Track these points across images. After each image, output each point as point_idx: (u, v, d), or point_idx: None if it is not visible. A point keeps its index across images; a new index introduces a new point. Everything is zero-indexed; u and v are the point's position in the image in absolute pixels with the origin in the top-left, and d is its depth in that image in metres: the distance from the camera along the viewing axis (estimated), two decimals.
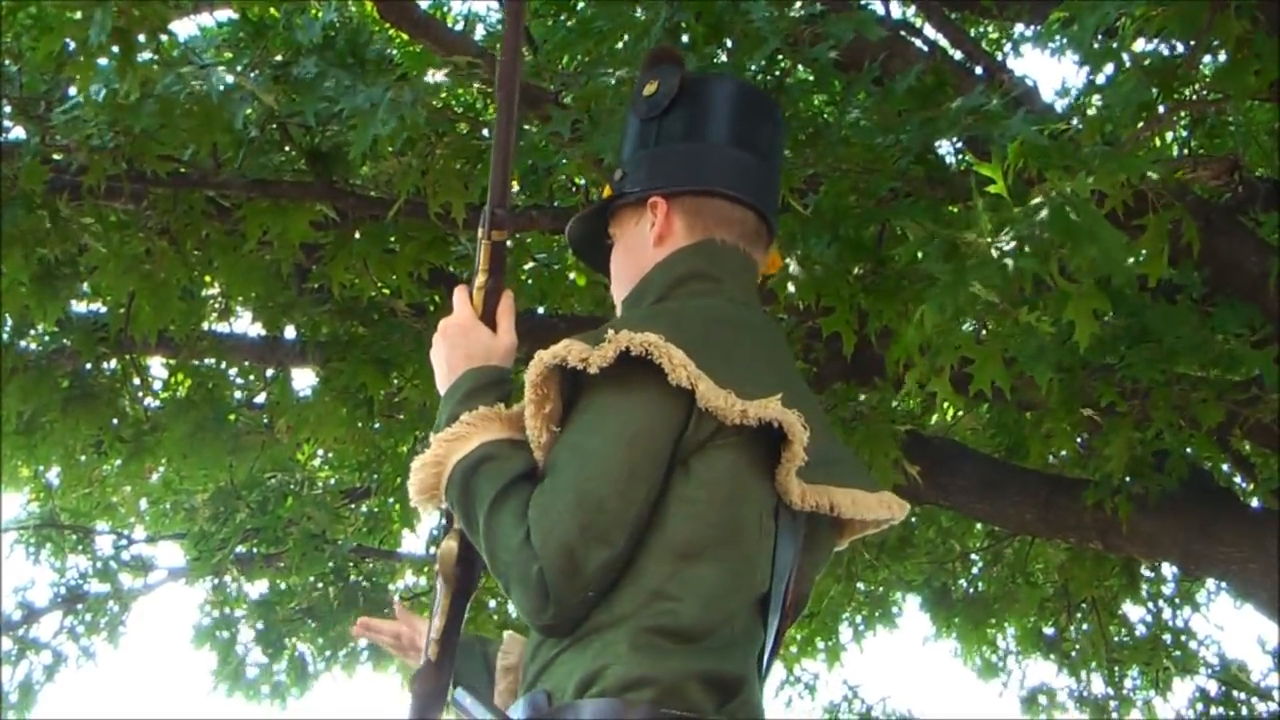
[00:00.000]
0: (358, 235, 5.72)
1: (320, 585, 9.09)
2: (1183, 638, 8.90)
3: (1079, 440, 6.64)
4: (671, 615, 2.26)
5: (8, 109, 5.24)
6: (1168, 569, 8.63)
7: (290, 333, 6.93)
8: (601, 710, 2.20)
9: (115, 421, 7.10)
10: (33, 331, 6.77)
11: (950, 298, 3.82)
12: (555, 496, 2.26)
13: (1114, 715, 9.13)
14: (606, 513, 2.24)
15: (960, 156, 5.76)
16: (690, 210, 2.58)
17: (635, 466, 2.27)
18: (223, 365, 7.38)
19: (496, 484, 2.33)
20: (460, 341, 2.55)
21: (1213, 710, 8.84)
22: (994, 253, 3.78)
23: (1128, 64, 4.47)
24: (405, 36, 5.76)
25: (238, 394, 7.64)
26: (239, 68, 4.95)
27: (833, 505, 2.46)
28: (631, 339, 2.28)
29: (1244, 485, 7.51)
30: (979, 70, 5.74)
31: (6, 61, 5.18)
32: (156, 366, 7.56)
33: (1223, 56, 4.68)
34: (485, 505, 2.32)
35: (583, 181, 5.95)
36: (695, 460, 2.31)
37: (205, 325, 6.94)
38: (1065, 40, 5.05)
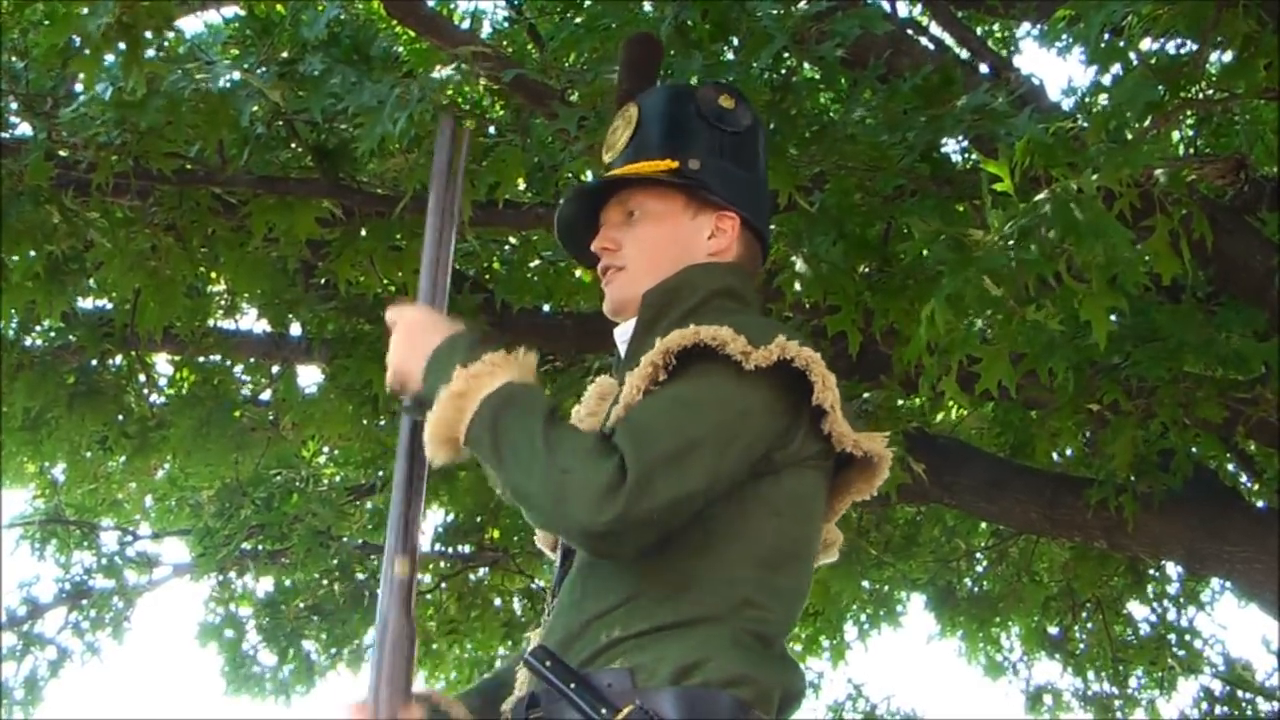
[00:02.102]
0: (364, 232, 5.73)
1: (325, 582, 9.09)
2: (1187, 637, 8.90)
3: (1084, 438, 6.64)
4: (763, 623, 2.32)
5: (14, 106, 5.25)
6: (1173, 568, 8.63)
7: (296, 329, 6.94)
8: (707, 699, 2.23)
9: (121, 418, 7.12)
10: (39, 328, 6.78)
11: (955, 286, 3.82)
12: (652, 431, 2.25)
13: (1119, 714, 9.12)
14: (698, 451, 2.25)
15: (966, 155, 5.76)
16: (747, 243, 2.63)
17: (737, 434, 2.29)
18: (228, 362, 7.38)
19: (541, 410, 2.30)
20: (426, 327, 2.51)
21: (1217, 710, 8.83)
22: (1000, 246, 3.78)
23: (1134, 62, 4.47)
24: (411, 33, 5.76)
25: (243, 390, 7.65)
26: (245, 64, 4.96)
27: (831, 541, 2.58)
28: (799, 352, 2.31)
29: (1249, 485, 7.50)
30: (985, 69, 5.74)
31: (13, 58, 5.19)
32: (162, 363, 7.58)
33: (1229, 55, 4.68)
34: (539, 422, 2.28)
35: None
36: (789, 473, 2.37)
37: (211, 322, 6.95)
38: (1071, 39, 5.05)
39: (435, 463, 2.39)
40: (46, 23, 4.85)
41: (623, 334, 2.59)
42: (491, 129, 5.47)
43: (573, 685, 2.26)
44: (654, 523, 2.23)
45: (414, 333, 2.50)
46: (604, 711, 2.22)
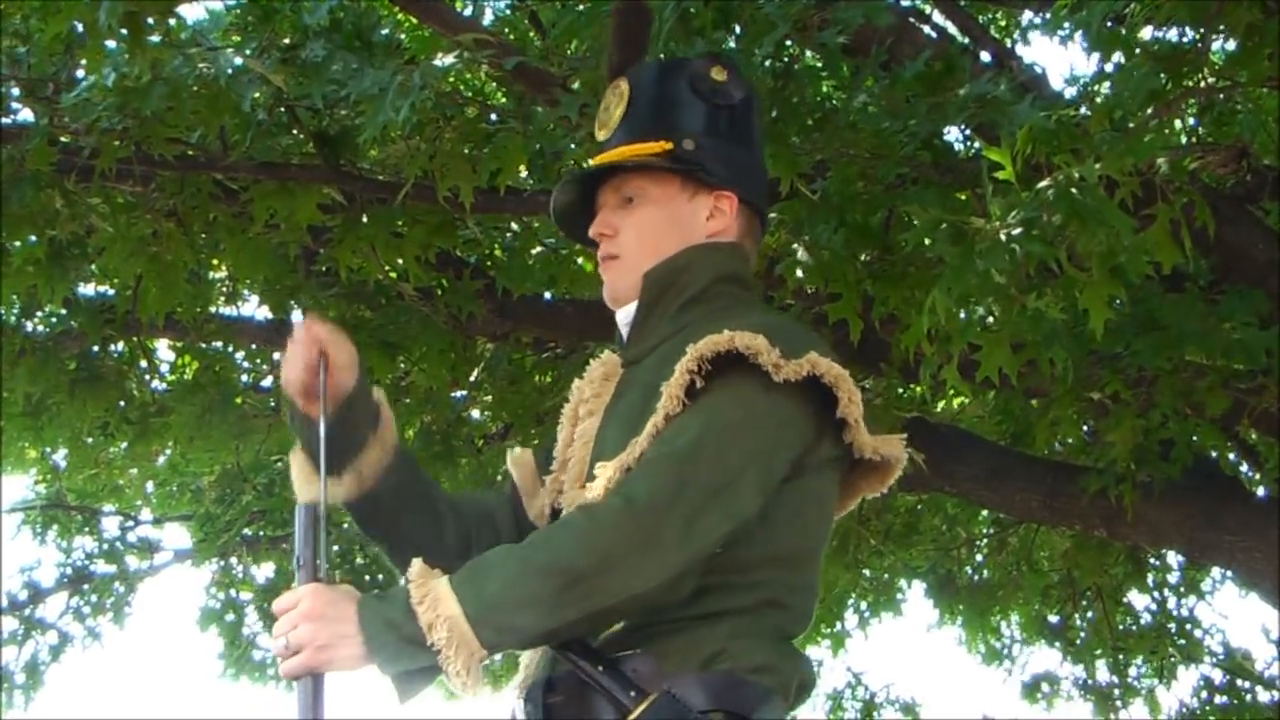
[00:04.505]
0: (365, 218, 5.72)
1: None
2: (1187, 626, 8.90)
3: (1085, 428, 6.64)
4: (784, 620, 2.36)
5: (16, 91, 5.25)
6: (1173, 557, 8.63)
7: (297, 316, 6.93)
8: (733, 684, 2.26)
9: (122, 403, 7.12)
10: (40, 313, 6.79)
11: (958, 281, 3.83)
12: (694, 462, 2.25)
13: (1118, 704, 9.12)
14: (746, 475, 2.27)
15: (968, 143, 5.76)
16: (747, 221, 2.61)
17: (778, 447, 2.33)
18: (229, 348, 7.39)
19: (501, 552, 2.27)
20: (328, 605, 2.26)
21: (1217, 699, 8.83)
22: (1002, 236, 3.78)
23: (1136, 51, 4.47)
24: (413, 20, 5.76)
25: (244, 377, 7.64)
26: (247, 50, 4.96)
27: None
28: (830, 368, 2.33)
29: (1250, 474, 7.50)
30: (987, 57, 5.73)
31: (15, 43, 5.19)
32: (163, 349, 7.59)
33: (1232, 44, 4.67)
34: (518, 550, 2.25)
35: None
36: (811, 475, 2.39)
37: (212, 308, 6.95)
38: (1073, 27, 5.05)
39: (476, 691, 2.21)
40: (49, 7, 4.84)
41: (625, 316, 2.57)
42: (493, 116, 5.46)
43: (601, 669, 2.26)
44: (709, 553, 2.25)
45: (317, 608, 2.25)
46: (632, 695, 2.23)
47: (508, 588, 2.18)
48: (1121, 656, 9.06)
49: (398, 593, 2.23)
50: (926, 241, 4.35)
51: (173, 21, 4.87)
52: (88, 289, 6.79)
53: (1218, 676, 8.89)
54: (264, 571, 9.32)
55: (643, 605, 2.22)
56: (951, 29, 5.97)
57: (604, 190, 2.63)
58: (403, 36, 5.72)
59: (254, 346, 7.45)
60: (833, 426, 2.38)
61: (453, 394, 7.26)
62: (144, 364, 7.26)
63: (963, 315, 4.23)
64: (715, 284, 2.53)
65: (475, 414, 7.77)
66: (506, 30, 6.15)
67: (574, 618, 2.19)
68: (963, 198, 4.93)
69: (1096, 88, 5.11)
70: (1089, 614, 9.05)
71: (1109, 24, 4.64)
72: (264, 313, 7.01)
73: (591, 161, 2.66)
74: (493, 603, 2.18)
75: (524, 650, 2.39)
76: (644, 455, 2.31)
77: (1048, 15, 5.77)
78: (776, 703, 2.30)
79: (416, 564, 2.25)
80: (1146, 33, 4.76)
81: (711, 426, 2.28)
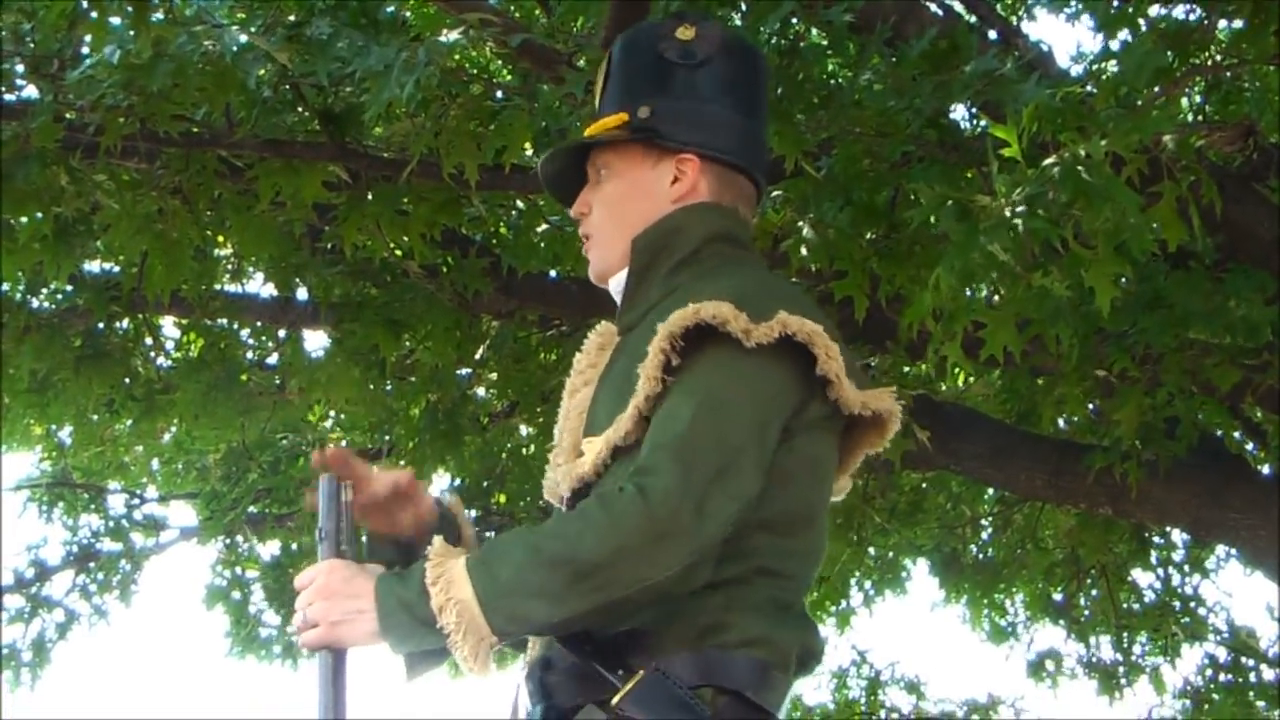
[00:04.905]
0: (370, 196, 5.72)
1: None
2: (1192, 604, 8.91)
3: (1090, 406, 6.64)
4: (779, 589, 2.32)
5: (21, 68, 5.24)
6: (1178, 535, 8.64)
7: (302, 293, 6.95)
8: (724, 661, 2.24)
9: (127, 381, 7.13)
10: (45, 290, 6.79)
11: (963, 259, 3.82)
12: (692, 447, 2.22)
13: (1122, 682, 9.14)
14: (745, 455, 2.24)
15: (974, 121, 5.75)
16: (719, 179, 2.55)
17: (769, 420, 2.29)
18: (235, 325, 7.40)
19: (509, 536, 2.30)
20: (344, 582, 2.32)
21: (1221, 677, 8.86)
22: (1007, 213, 3.78)
23: (1143, 29, 4.46)
24: None
25: (250, 354, 7.65)
26: (252, 27, 4.95)
27: (840, 486, 2.55)
28: (802, 325, 2.29)
29: (1255, 452, 7.50)
30: (993, 35, 5.72)
31: (19, 20, 5.18)
32: (169, 326, 7.60)
33: (1238, 22, 4.67)
34: (527, 534, 2.28)
35: None
36: (801, 439, 2.34)
37: (218, 285, 6.96)
38: (1080, 5, 5.04)
39: (484, 674, 2.23)
40: None
41: (617, 285, 2.56)
42: (498, 93, 5.46)
43: (589, 648, 2.26)
44: (721, 537, 2.22)
45: (333, 584, 2.31)
46: (620, 673, 2.22)
47: (520, 575, 2.18)
48: (1126, 635, 9.08)
49: (415, 571, 2.24)
50: (932, 219, 4.34)
51: None
52: (93, 266, 6.79)
53: (1222, 655, 8.91)
54: (270, 549, 9.33)
55: (656, 594, 2.19)
56: (957, 7, 5.95)
57: (589, 167, 2.62)
58: (408, 14, 5.70)
59: (259, 324, 7.47)
60: (819, 384, 2.34)
61: (458, 372, 7.27)
62: (149, 341, 7.27)
63: (968, 293, 4.23)
64: (706, 244, 2.49)
65: (481, 392, 7.78)
66: (512, 7, 6.14)
67: (585, 609, 2.18)
68: (968, 175, 4.92)
69: (1103, 65, 5.10)
70: (1094, 592, 9.06)
71: (1116, 2, 4.63)
72: (269, 290, 7.02)
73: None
74: (506, 589, 2.18)
75: (538, 637, 2.39)
76: (630, 435, 2.30)
77: None
78: (773, 676, 2.27)
79: (437, 541, 2.26)
80: (1153, 10, 4.75)
81: (704, 405, 2.25)
